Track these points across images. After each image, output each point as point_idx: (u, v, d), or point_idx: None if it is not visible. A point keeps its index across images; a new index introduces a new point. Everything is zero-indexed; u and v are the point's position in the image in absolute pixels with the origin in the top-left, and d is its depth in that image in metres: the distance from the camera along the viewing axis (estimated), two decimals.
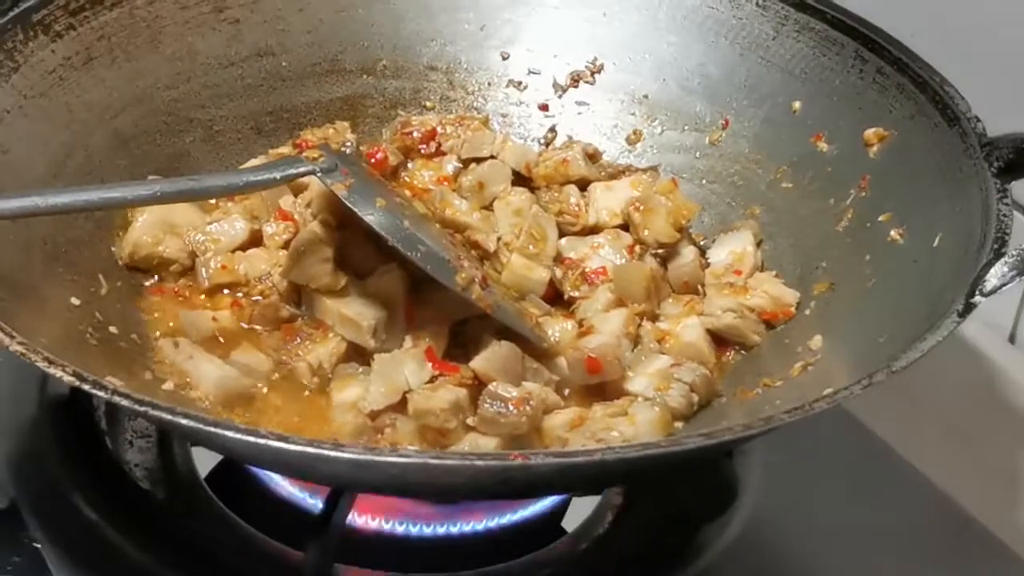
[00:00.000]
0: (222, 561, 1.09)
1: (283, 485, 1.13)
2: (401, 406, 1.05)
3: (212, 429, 0.87)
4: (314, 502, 1.11)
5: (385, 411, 1.04)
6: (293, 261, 1.11)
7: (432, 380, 1.06)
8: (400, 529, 1.10)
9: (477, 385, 1.05)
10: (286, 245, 1.15)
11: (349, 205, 1.06)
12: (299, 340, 1.10)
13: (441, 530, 1.10)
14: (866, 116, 1.17)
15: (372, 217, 1.06)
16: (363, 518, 1.10)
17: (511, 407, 1.02)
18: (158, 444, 1.15)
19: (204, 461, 1.14)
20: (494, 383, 1.04)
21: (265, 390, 1.08)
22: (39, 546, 1.06)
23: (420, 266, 1.06)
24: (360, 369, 1.08)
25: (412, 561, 1.10)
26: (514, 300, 1.15)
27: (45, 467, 1.12)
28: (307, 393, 1.08)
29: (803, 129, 1.22)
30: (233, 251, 1.16)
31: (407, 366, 1.06)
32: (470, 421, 1.04)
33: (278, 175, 1.07)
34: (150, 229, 1.15)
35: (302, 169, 1.07)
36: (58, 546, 1.06)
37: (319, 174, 1.07)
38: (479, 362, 1.06)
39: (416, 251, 1.06)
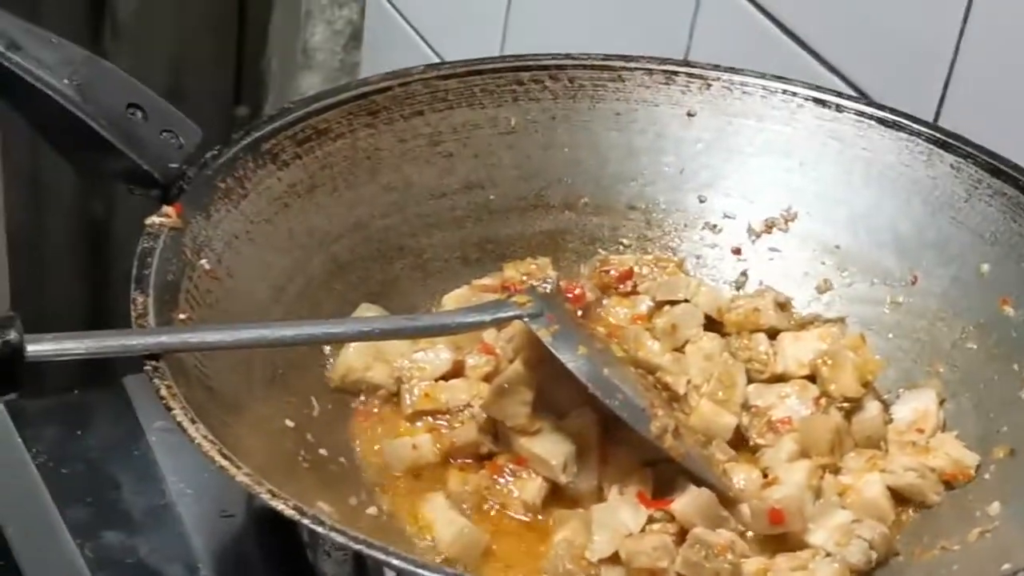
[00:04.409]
0: None
1: None
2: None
3: (424, 572, 0.93)
4: None
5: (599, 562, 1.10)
6: (494, 397, 1.17)
7: (649, 522, 1.10)
8: None
9: (679, 533, 1.10)
10: (487, 377, 1.21)
11: (553, 351, 1.12)
12: (506, 478, 1.15)
13: None
14: None
15: (574, 364, 1.12)
16: None
17: (715, 553, 1.07)
18: (354, 558, 1.21)
19: None
20: (699, 528, 1.09)
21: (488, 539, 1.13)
22: None
23: (618, 414, 1.11)
24: (572, 512, 1.14)
25: None
26: (701, 444, 1.19)
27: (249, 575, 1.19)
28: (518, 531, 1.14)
29: (991, 291, 1.25)
30: (436, 380, 1.22)
31: (623, 512, 1.11)
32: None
33: (488, 318, 1.14)
34: (361, 355, 1.21)
35: (511, 314, 1.14)
36: None
37: (526, 319, 1.13)
38: (680, 506, 1.11)
39: (614, 399, 1.12)
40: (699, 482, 1.13)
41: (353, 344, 1.22)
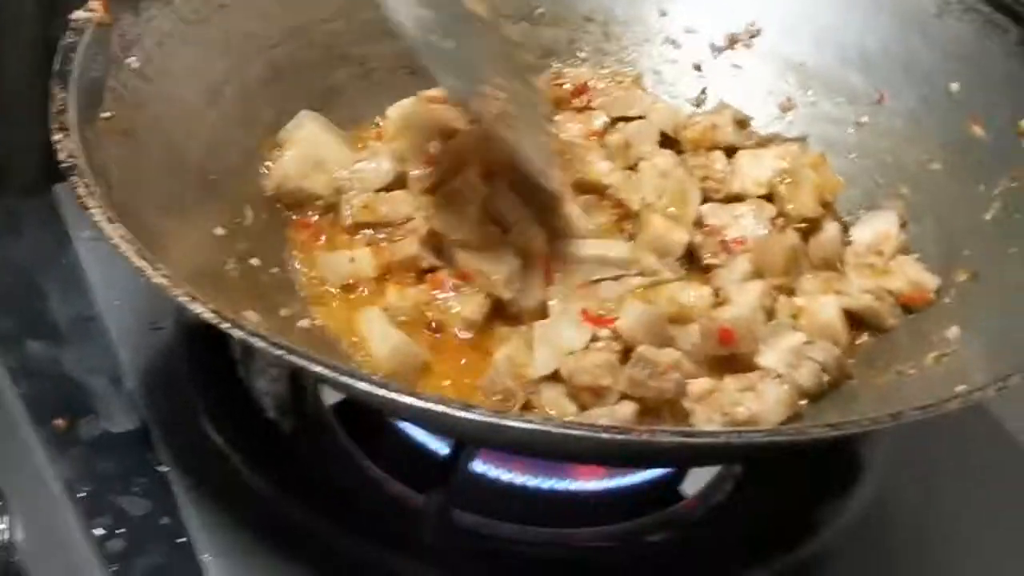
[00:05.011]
0: (341, 495, 1.10)
1: (409, 426, 1.13)
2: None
3: (345, 379, 0.89)
4: (439, 447, 1.12)
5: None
6: (437, 210, 1.12)
7: (593, 340, 1.06)
8: (522, 481, 1.11)
9: (623, 351, 1.06)
10: (431, 190, 1.16)
11: None
12: (447, 293, 1.11)
13: (561, 486, 1.11)
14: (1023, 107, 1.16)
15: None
16: (486, 467, 1.11)
17: (660, 371, 1.03)
18: (289, 374, 1.17)
19: (332, 392, 1.15)
20: (644, 346, 1.04)
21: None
22: (166, 470, 1.08)
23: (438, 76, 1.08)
24: (514, 329, 1.10)
25: (532, 514, 1.11)
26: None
27: (177, 390, 1.14)
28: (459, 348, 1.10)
29: (959, 112, 1.20)
30: (378, 191, 1.17)
31: (566, 329, 1.07)
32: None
33: None
34: (298, 164, 1.16)
35: None
36: (185, 471, 1.07)
37: None
38: (626, 324, 1.06)
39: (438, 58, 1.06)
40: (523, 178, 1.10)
41: (290, 152, 1.16)
